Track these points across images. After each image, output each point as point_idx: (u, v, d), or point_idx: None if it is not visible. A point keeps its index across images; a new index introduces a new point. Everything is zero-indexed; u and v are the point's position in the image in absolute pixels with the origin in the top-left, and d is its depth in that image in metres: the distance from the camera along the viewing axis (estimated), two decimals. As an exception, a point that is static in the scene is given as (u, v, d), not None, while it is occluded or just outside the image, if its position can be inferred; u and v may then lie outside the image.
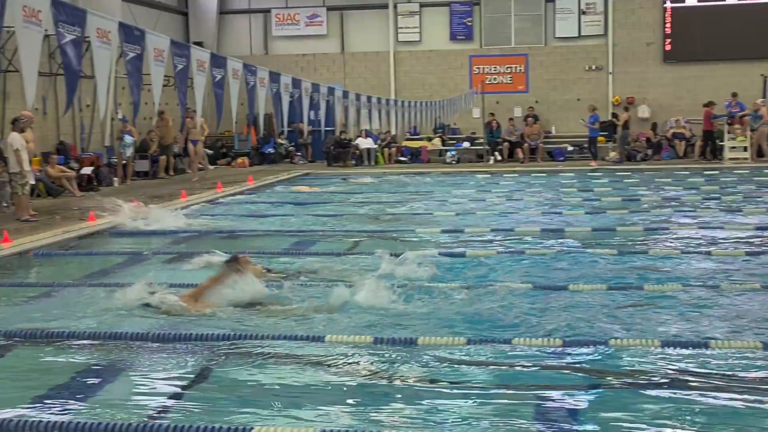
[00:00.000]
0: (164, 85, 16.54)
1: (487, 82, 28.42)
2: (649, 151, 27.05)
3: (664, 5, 28.46)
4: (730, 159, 24.87)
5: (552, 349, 6.37)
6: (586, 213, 14.42)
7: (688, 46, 28.34)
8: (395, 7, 29.61)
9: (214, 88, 16.63)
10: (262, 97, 18.97)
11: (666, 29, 28.54)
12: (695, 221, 13.23)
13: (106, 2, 21.76)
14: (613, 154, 26.47)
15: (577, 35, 28.97)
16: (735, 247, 10.62)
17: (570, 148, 27.92)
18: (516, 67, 29.37)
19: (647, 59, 28.79)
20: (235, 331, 6.94)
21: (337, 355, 6.33)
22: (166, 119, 24.03)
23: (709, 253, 10.14)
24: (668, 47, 28.61)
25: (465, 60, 29.50)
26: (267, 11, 30.26)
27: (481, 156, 27.52)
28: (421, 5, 29.55)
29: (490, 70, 29.34)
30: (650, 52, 28.79)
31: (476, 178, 22.08)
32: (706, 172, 21.83)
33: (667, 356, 6.18)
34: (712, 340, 6.40)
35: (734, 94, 26.06)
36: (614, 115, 27.05)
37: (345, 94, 23.22)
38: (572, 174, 22.50)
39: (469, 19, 29.39)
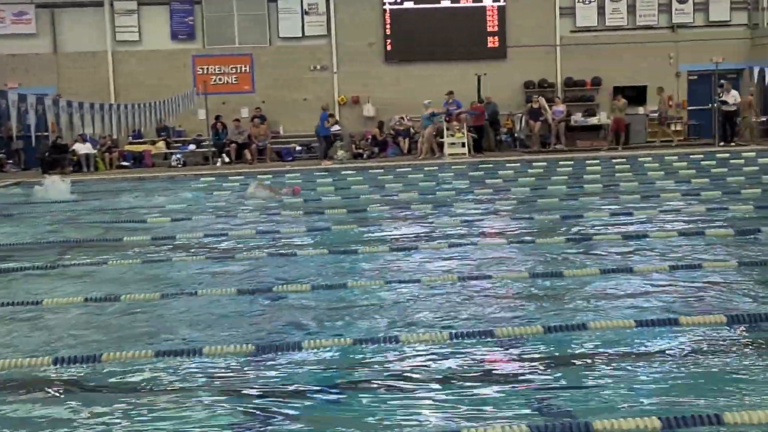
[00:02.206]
0: None
1: (212, 83, 27.87)
2: (376, 149, 27.70)
3: (384, 7, 29.18)
4: (450, 155, 25.91)
5: (245, 357, 6.14)
6: (305, 213, 14.31)
7: (408, 47, 29.23)
8: (111, 5, 28.30)
9: None
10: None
11: (386, 30, 29.28)
12: (409, 217, 13.51)
13: None
14: (341, 153, 26.84)
15: (301, 35, 29.07)
16: (440, 242, 10.86)
17: (298, 148, 28.05)
18: (241, 67, 29.01)
19: (370, 59, 29.39)
20: None
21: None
22: None
23: (416, 249, 10.32)
24: (389, 47, 29.38)
25: (188, 60, 28.74)
26: (-33, 7, 27.96)
27: (207, 158, 26.91)
28: (139, 3, 28.41)
29: (215, 70, 28.79)
30: (373, 52, 29.42)
31: (200, 181, 21.48)
32: (426, 169, 22.55)
33: (360, 354, 6.16)
34: (403, 335, 6.40)
35: (450, 93, 27.17)
36: (331, 115, 27.47)
37: (55, 101, 21.63)
38: (298, 174, 22.49)
39: (191, 18, 28.67)
